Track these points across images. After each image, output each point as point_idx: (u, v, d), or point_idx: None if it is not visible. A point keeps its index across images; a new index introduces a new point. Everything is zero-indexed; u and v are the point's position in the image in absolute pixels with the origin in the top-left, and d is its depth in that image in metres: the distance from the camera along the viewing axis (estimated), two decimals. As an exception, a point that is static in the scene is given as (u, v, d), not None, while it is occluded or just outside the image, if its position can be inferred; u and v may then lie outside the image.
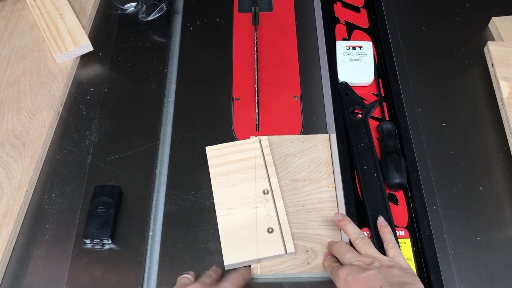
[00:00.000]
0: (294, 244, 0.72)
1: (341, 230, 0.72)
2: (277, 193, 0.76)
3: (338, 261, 0.68)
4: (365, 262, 0.63)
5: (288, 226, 0.73)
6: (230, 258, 0.71)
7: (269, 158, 0.80)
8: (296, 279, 0.72)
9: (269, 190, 0.77)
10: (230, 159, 0.80)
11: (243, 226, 0.74)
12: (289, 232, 0.73)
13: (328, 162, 0.81)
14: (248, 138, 0.84)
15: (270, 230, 0.73)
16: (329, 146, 0.83)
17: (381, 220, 0.71)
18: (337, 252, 0.68)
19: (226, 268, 0.72)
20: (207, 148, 0.82)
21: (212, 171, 0.80)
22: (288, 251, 0.71)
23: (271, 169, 0.79)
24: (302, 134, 0.86)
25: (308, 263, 0.72)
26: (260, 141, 0.82)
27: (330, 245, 0.71)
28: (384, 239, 0.68)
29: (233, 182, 0.78)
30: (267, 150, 0.81)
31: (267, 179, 0.78)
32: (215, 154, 0.81)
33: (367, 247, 0.66)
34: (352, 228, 0.69)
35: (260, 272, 0.71)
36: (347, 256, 0.66)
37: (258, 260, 0.71)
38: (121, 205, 0.78)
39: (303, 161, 0.81)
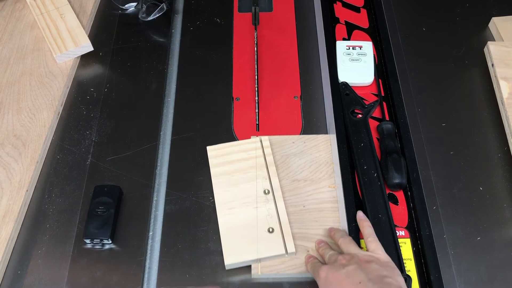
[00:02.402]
0: (294, 244, 0.72)
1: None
2: (278, 193, 0.76)
3: (320, 261, 0.69)
4: (345, 258, 0.65)
5: (288, 226, 0.73)
6: (230, 258, 0.71)
7: (270, 158, 0.80)
8: (296, 279, 0.72)
9: (270, 190, 0.77)
10: (231, 159, 0.80)
11: (244, 226, 0.74)
12: (289, 232, 0.73)
13: (329, 163, 0.81)
14: (249, 138, 0.84)
15: (270, 230, 0.73)
16: (330, 146, 0.83)
17: (360, 215, 0.72)
18: (321, 252, 0.70)
19: (226, 268, 0.72)
20: (208, 148, 0.82)
21: (213, 171, 0.80)
22: (288, 251, 0.71)
23: (272, 169, 0.79)
24: (302, 134, 0.86)
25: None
26: (261, 141, 0.82)
27: (317, 243, 0.72)
28: (363, 234, 0.69)
29: (234, 182, 0.78)
30: (268, 150, 0.81)
31: (268, 179, 0.78)
32: (216, 154, 0.81)
33: (349, 246, 0.67)
34: (337, 232, 0.71)
35: (260, 272, 0.71)
36: (329, 254, 0.68)
37: (258, 260, 0.71)
38: (121, 205, 0.78)
39: (304, 161, 0.81)
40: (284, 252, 0.71)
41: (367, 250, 0.67)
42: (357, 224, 0.71)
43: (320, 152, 0.82)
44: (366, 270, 0.62)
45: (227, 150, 0.82)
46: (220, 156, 0.81)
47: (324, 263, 0.68)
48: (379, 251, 0.66)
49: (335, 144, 0.79)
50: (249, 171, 0.79)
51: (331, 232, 0.72)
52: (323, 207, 0.77)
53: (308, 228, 0.75)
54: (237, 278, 0.72)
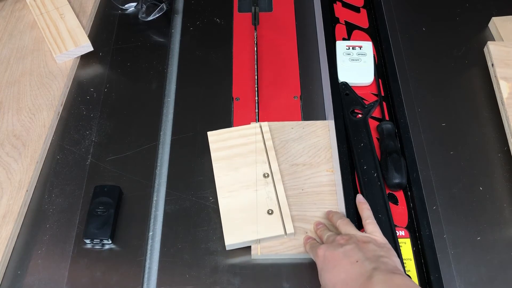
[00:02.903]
0: (293, 226, 0.73)
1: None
2: (277, 176, 0.78)
3: (318, 242, 0.71)
4: (343, 238, 0.66)
5: (287, 208, 0.74)
6: (231, 238, 0.72)
7: (269, 143, 0.81)
8: (295, 260, 0.73)
9: (269, 173, 0.78)
10: (231, 144, 0.81)
11: (244, 208, 0.75)
12: (288, 214, 0.74)
13: (327, 147, 0.82)
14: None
15: (270, 212, 0.74)
16: (328, 132, 0.84)
17: (359, 198, 0.73)
18: (319, 234, 0.72)
19: (227, 248, 0.72)
20: (209, 133, 0.83)
21: (213, 155, 0.81)
22: (287, 232, 0.72)
23: (272, 153, 0.80)
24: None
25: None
26: (260, 126, 0.83)
27: (315, 225, 0.74)
28: (362, 216, 0.71)
29: (234, 166, 0.79)
30: (267, 136, 0.82)
31: (267, 163, 0.79)
32: (216, 139, 0.82)
33: (346, 227, 0.69)
34: (335, 215, 0.73)
35: (260, 252, 0.72)
36: (327, 235, 0.69)
37: (258, 241, 0.72)
38: (121, 205, 0.78)
39: (303, 146, 0.83)
40: (283, 233, 0.72)
41: (365, 232, 0.68)
42: (355, 206, 0.72)
43: (319, 138, 0.84)
44: (363, 250, 0.63)
45: (227, 135, 0.83)
46: (220, 141, 0.82)
47: (322, 244, 0.69)
48: (376, 233, 0.67)
49: (333, 130, 0.80)
50: (249, 156, 0.80)
51: (329, 215, 0.74)
52: (321, 190, 0.78)
53: (306, 211, 0.76)
54: (237, 260, 0.73)
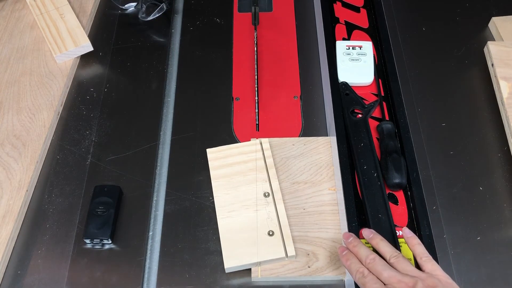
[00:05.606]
0: (294, 247, 0.71)
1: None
2: (278, 195, 0.76)
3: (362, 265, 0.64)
4: (408, 284, 0.59)
5: (288, 229, 0.73)
6: (230, 261, 0.71)
7: (270, 161, 0.80)
8: (296, 283, 0.71)
9: (270, 192, 0.77)
10: (231, 162, 0.80)
11: (244, 229, 0.74)
12: (289, 235, 0.72)
13: (329, 165, 0.81)
14: (248, 138, 0.84)
15: (270, 233, 0.73)
16: (330, 148, 0.83)
17: (406, 232, 0.67)
18: (372, 269, 0.63)
19: (226, 271, 0.71)
20: (208, 150, 0.82)
21: (212, 173, 0.79)
22: (288, 254, 0.71)
23: (272, 171, 0.79)
24: (302, 134, 0.86)
25: (309, 267, 0.71)
26: (261, 143, 0.82)
27: (345, 237, 0.67)
28: (415, 253, 0.65)
29: (233, 184, 0.78)
30: (268, 153, 0.81)
31: (268, 182, 0.78)
32: (216, 156, 0.81)
33: (404, 265, 0.62)
34: (382, 243, 0.66)
35: (260, 275, 0.71)
36: (386, 274, 0.61)
37: (258, 263, 0.71)
38: (121, 205, 0.78)
39: (304, 163, 0.81)
40: (284, 255, 0.71)
41: (424, 271, 0.62)
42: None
43: (320, 155, 0.82)
44: None
45: (227, 152, 0.81)
46: (220, 159, 0.81)
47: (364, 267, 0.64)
48: (438, 271, 0.62)
49: (335, 146, 0.78)
50: (249, 174, 0.79)
51: (373, 240, 0.66)
52: (324, 210, 0.77)
53: (308, 231, 0.75)
54: (237, 281, 0.72)
